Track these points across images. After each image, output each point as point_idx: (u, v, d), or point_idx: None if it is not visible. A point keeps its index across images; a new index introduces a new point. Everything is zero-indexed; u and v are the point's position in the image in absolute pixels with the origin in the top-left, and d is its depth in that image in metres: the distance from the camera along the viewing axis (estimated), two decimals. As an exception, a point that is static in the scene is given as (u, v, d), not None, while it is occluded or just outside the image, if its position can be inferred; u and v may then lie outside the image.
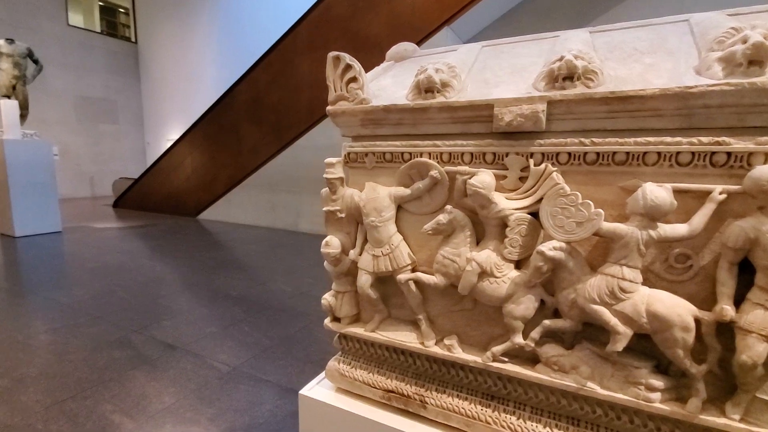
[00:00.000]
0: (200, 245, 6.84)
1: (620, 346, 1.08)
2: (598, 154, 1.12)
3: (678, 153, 1.04)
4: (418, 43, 7.82)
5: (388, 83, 1.55)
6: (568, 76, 1.12)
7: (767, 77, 0.94)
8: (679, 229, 1.02)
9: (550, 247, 1.12)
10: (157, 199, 10.63)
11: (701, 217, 1.01)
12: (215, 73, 12.88)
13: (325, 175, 1.46)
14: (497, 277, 1.23)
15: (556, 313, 1.23)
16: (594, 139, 1.12)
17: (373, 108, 1.38)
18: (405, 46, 1.84)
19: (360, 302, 1.55)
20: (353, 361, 1.57)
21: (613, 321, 1.08)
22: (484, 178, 1.20)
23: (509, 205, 1.20)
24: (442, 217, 1.29)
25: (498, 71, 1.38)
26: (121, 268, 5.30)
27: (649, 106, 1.05)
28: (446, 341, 1.36)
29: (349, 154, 1.48)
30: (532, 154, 1.19)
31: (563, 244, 1.12)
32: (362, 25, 7.50)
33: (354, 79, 1.42)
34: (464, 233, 1.28)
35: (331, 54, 1.45)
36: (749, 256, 0.98)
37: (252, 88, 8.66)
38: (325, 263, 1.55)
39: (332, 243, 1.47)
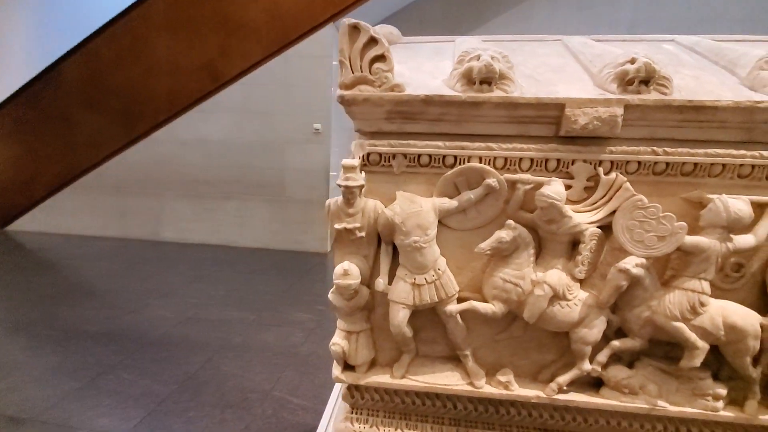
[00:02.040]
0: (22, 267, 5.10)
1: (698, 361, 1.05)
2: (667, 164, 1.07)
3: (741, 165, 1.06)
4: (301, 38, 7.36)
5: (403, 69, 1.26)
6: (645, 79, 1.04)
7: None
8: (748, 240, 1.04)
9: (634, 264, 1.03)
10: (-67, 205, 7.64)
11: (765, 227, 1.05)
12: (30, 40, 9.89)
13: (342, 182, 1.10)
14: (569, 300, 1.09)
15: (617, 333, 1.16)
16: (667, 149, 1.07)
17: (410, 98, 1.09)
18: (390, 29, 1.57)
19: (377, 342, 1.24)
20: (371, 417, 1.24)
21: (693, 337, 1.05)
22: (559, 189, 1.05)
23: (581, 218, 1.07)
24: (504, 234, 1.08)
25: (535, 69, 1.24)
26: None
27: (719, 118, 1.04)
28: (500, 377, 1.16)
29: (368, 155, 1.15)
30: (600, 162, 1.09)
31: (644, 261, 1.05)
32: (236, 7, 6.69)
33: (381, 58, 1.10)
34: (528, 252, 1.11)
35: (347, 22, 1.10)
36: None
37: (88, 66, 6.92)
38: (332, 296, 1.19)
39: (353, 272, 1.12)
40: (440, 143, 1.12)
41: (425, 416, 1.23)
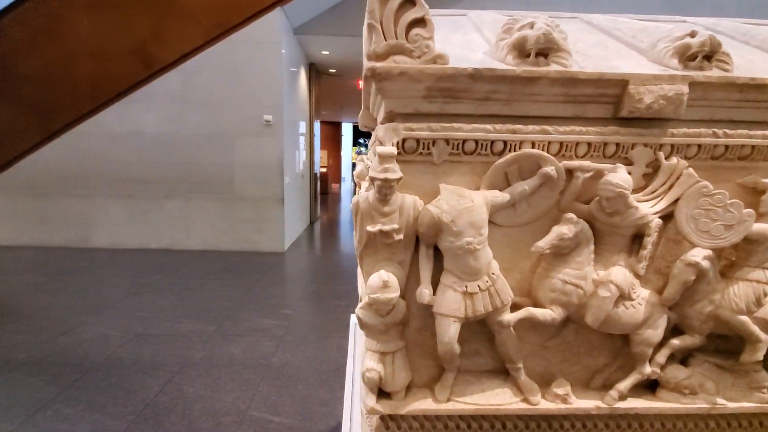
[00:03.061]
0: None
1: (761, 354, 1.00)
2: (726, 147, 1.00)
3: (795, 148, 1.01)
4: (246, 22, 6.86)
5: (430, 42, 1.08)
6: (709, 54, 0.95)
7: None
8: None
9: (702, 257, 0.95)
10: None
11: None
12: None
13: (380, 174, 0.90)
14: (633, 300, 0.99)
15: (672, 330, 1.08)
16: (727, 131, 0.99)
17: (455, 71, 0.91)
18: (395, 0, 1.38)
19: (412, 360, 1.06)
20: (409, 449, 1.06)
21: (757, 330, 0.99)
22: (626, 177, 0.93)
23: (646, 209, 0.97)
24: (565, 230, 0.95)
25: (575, 44, 1.11)
26: None
27: (777, 97, 0.98)
28: (557, 390, 1.04)
29: (404, 141, 0.96)
30: (660, 146, 0.99)
31: (710, 252, 0.97)
32: (170, -16, 6.06)
33: (420, 23, 0.91)
34: (588, 249, 0.99)
35: (377, -23, 0.90)
36: None
37: (-8, 46, 5.89)
38: (363, 312, 0.99)
39: (393, 283, 0.93)
40: (489, 126, 0.96)
41: (470, 440, 1.08)
